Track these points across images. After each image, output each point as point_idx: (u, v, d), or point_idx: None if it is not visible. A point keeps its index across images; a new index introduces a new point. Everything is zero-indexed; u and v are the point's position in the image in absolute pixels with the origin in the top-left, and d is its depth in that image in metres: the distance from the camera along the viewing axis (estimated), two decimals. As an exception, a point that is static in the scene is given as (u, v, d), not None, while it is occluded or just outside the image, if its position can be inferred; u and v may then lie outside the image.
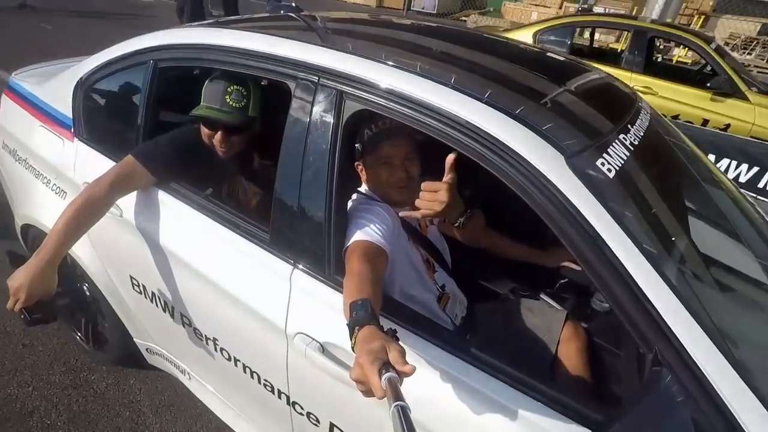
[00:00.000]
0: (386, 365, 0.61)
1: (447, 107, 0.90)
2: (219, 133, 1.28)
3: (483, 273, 1.57)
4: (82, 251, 1.52)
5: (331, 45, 1.10)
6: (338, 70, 1.02)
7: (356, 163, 1.22)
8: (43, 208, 1.62)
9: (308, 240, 1.06)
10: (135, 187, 1.30)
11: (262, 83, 1.39)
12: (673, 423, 0.64)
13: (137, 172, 1.26)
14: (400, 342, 0.72)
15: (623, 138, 1.01)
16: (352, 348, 0.70)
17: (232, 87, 1.26)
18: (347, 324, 0.75)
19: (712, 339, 0.71)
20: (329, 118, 1.02)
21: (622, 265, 0.77)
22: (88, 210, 1.20)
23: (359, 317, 0.73)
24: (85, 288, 1.72)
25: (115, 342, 1.75)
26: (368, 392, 0.62)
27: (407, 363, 0.63)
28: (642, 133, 1.11)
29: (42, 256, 1.13)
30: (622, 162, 0.93)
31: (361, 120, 1.10)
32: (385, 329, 0.74)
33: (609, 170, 0.89)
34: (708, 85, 4.17)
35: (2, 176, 1.93)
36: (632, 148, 1.01)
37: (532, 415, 0.83)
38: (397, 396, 0.57)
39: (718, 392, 0.68)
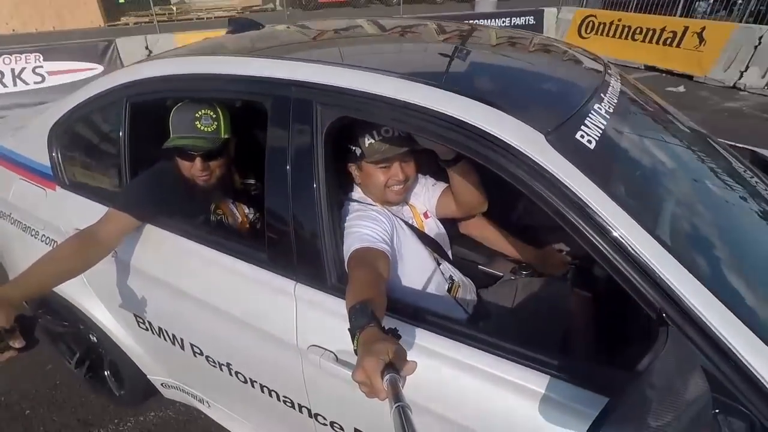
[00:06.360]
0: (388, 366, 0.63)
1: (425, 104, 0.91)
2: (197, 161, 1.26)
3: (480, 258, 1.59)
4: (83, 298, 1.51)
5: (301, 57, 1.11)
6: (310, 81, 1.02)
7: (350, 165, 1.21)
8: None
9: (306, 254, 1.06)
10: (123, 238, 1.24)
11: (237, 105, 1.39)
12: (685, 378, 0.66)
13: (123, 223, 1.21)
14: (402, 339, 0.73)
15: (598, 108, 1.03)
16: (355, 351, 0.71)
17: (200, 112, 1.24)
18: (348, 329, 0.76)
19: (711, 290, 0.73)
20: (309, 130, 1.02)
21: (620, 231, 0.77)
22: (76, 259, 1.14)
23: (359, 321, 0.74)
24: (91, 336, 1.71)
25: (130, 383, 1.74)
26: (371, 393, 0.63)
27: (408, 361, 0.64)
28: (616, 100, 1.13)
29: (9, 290, 1.02)
30: (601, 131, 0.95)
31: (351, 126, 1.10)
32: (387, 329, 0.75)
33: (589, 141, 0.90)
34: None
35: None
36: (608, 117, 1.02)
37: (550, 391, 0.85)
38: (398, 397, 0.58)
39: (722, 339, 0.71)
